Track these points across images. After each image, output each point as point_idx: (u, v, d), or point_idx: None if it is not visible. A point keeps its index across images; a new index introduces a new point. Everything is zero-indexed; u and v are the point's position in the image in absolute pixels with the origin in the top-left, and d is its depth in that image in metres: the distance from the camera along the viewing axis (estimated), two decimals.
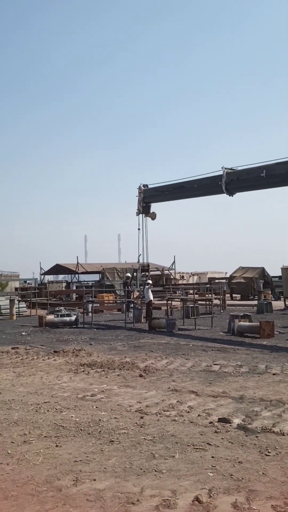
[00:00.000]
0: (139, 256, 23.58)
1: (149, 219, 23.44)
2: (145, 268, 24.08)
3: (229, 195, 18.30)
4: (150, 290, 21.08)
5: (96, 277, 47.05)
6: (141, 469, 4.81)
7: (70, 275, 51.49)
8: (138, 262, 24.21)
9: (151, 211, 23.42)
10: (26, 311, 27.76)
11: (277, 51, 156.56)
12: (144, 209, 23.10)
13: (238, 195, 18.65)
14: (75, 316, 20.65)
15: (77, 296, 37.05)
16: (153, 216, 23.43)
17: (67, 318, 20.25)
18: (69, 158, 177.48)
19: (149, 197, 22.90)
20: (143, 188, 23.07)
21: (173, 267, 44.24)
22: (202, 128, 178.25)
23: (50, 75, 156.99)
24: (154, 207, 23.68)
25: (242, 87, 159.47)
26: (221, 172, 18.16)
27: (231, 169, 18.05)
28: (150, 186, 23.05)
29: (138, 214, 23.45)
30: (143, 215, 23.32)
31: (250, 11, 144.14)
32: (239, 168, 17.95)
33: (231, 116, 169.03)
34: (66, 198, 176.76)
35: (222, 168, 18.08)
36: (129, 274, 27.75)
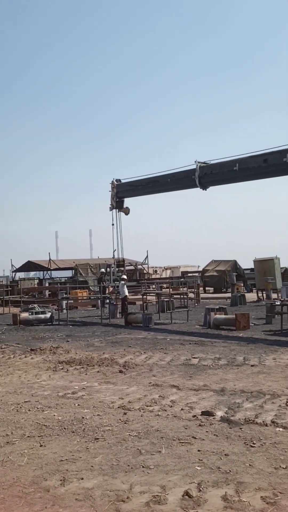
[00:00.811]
0: (114, 251, 23.51)
1: (122, 214, 23.34)
2: (120, 263, 24.00)
3: (203, 189, 18.36)
4: (125, 286, 21.04)
5: (69, 273, 46.76)
6: (128, 465, 4.78)
7: (41, 271, 50.98)
8: (114, 257, 24.11)
9: (125, 206, 23.32)
10: None
11: (249, 46, 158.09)
12: (118, 204, 22.98)
13: (210, 189, 18.74)
14: (50, 313, 20.43)
15: (50, 293, 36.69)
16: (127, 211, 23.32)
17: (42, 316, 20.02)
18: (35, 152, 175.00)
19: (122, 192, 22.79)
20: (116, 183, 22.91)
21: (146, 261, 44.28)
22: (174, 123, 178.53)
23: (25, 84, 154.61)
24: (127, 201, 23.61)
25: (213, 82, 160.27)
26: (194, 166, 18.20)
27: (204, 163, 18.11)
28: (123, 181, 22.93)
29: (111, 209, 23.30)
30: (117, 210, 23.20)
31: (224, 8, 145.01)
32: (212, 162, 18.03)
33: (202, 111, 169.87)
34: (35, 194, 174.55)
35: (195, 162, 18.13)
36: (103, 270, 27.64)
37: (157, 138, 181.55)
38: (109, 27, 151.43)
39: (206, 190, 18.45)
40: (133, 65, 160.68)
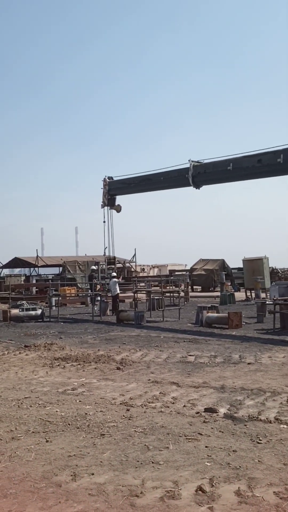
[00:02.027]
0: (105, 248, 23.46)
1: (114, 211, 23.32)
2: (111, 261, 23.97)
3: (196, 188, 18.43)
4: (117, 284, 21.02)
5: (55, 270, 46.45)
6: (137, 461, 4.79)
7: (28, 268, 50.61)
8: (105, 255, 24.07)
9: (116, 203, 23.30)
10: None
11: (238, 42, 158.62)
12: (109, 202, 22.96)
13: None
14: (41, 310, 20.34)
15: (37, 289, 36.51)
16: (118, 209, 23.31)
17: (33, 312, 19.91)
18: (20, 148, 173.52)
19: (114, 190, 22.76)
20: (108, 180, 22.88)
21: (134, 259, 44.20)
22: (161, 118, 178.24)
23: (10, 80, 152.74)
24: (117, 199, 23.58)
25: (205, 79, 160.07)
26: (188, 165, 18.25)
27: (198, 162, 18.17)
28: (115, 179, 22.89)
29: (103, 206, 23.27)
30: (108, 207, 23.18)
31: (207, 2, 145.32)
32: (206, 161, 18.10)
33: (193, 108, 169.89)
34: (20, 191, 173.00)
35: (189, 160, 18.18)
36: (94, 267, 27.59)
37: (144, 134, 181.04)
38: (92, 21, 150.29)
39: (199, 189, 18.52)
40: (118, 60, 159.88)
